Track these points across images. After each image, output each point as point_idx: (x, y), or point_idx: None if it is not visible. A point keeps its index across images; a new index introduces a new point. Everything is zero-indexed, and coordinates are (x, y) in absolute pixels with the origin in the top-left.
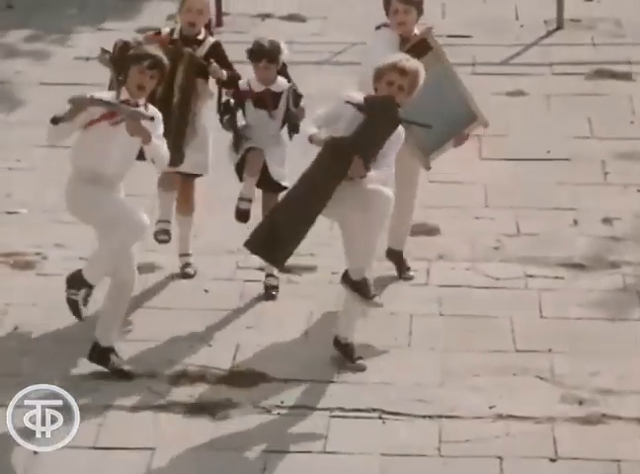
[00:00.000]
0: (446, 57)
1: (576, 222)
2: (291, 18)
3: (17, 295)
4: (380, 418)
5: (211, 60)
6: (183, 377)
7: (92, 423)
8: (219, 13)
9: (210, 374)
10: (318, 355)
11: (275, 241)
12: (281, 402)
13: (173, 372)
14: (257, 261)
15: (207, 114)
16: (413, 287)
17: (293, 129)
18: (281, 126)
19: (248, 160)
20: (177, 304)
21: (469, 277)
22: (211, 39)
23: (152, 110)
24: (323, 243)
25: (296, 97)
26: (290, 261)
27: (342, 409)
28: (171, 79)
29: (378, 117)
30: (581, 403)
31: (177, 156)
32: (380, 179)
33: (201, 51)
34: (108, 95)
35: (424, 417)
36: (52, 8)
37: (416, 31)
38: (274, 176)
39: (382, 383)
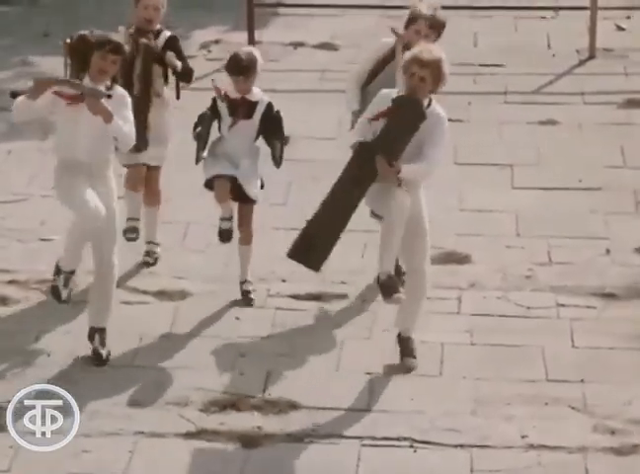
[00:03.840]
0: None
1: (608, 251)
2: (324, 46)
3: (49, 322)
4: (412, 447)
5: (167, 51)
6: (214, 405)
7: (123, 449)
8: (252, 42)
9: (242, 402)
10: (349, 384)
11: (311, 248)
12: (313, 430)
13: (204, 400)
14: (287, 288)
15: (171, 108)
16: (444, 316)
17: (280, 153)
18: (256, 138)
19: (215, 190)
20: (208, 332)
21: (500, 306)
22: (167, 33)
23: (119, 91)
24: (354, 271)
25: (271, 110)
26: (321, 288)
27: (373, 437)
28: (130, 71)
29: (401, 113)
30: (613, 433)
31: (141, 142)
32: (419, 172)
33: (158, 44)
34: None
35: (455, 446)
36: None
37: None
38: (247, 193)
39: (414, 412)
